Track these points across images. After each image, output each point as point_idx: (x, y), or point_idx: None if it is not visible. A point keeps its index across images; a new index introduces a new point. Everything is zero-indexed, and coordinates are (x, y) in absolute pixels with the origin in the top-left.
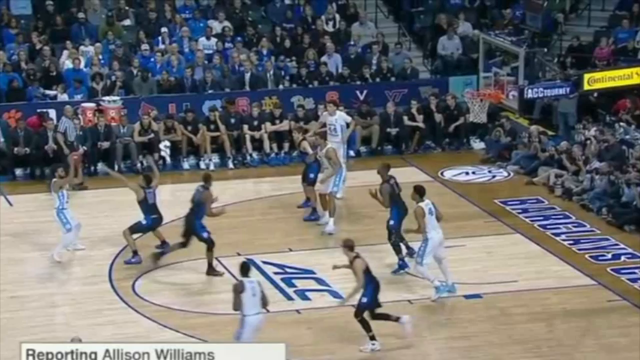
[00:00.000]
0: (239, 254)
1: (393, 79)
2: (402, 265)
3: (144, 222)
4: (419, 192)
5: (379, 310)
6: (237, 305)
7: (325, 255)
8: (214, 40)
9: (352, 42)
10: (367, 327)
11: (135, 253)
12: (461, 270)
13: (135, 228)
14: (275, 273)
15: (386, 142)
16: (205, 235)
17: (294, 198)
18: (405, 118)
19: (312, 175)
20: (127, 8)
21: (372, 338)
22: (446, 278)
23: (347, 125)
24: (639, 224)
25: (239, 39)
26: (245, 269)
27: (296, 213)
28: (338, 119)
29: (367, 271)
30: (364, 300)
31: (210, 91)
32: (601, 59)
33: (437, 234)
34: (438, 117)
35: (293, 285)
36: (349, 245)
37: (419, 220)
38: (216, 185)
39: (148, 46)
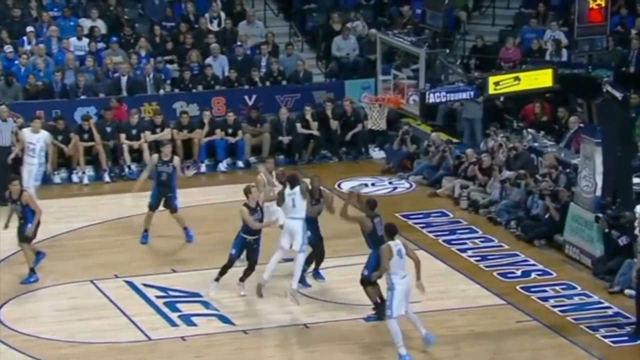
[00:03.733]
0: (116, 276)
1: (284, 82)
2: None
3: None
4: (390, 231)
5: None
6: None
7: (212, 276)
8: (86, 40)
9: (239, 43)
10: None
11: (32, 271)
12: (361, 291)
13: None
14: (158, 297)
15: (278, 152)
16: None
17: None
18: (298, 125)
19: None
20: None
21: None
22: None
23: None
24: (550, 238)
25: (114, 39)
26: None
27: (180, 230)
28: (41, 138)
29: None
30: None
31: (82, 97)
32: (507, 60)
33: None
34: (334, 124)
35: (177, 310)
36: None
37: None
38: (91, 201)
39: (12, 47)
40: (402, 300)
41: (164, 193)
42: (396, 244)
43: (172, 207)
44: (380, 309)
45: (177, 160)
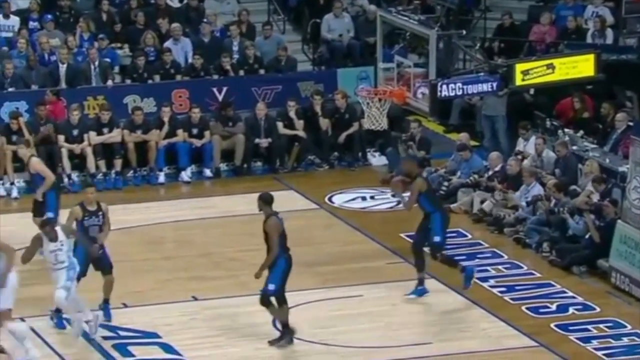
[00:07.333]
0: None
1: (262, 71)
2: (469, 272)
3: None
4: (266, 200)
5: None
6: None
7: (172, 311)
8: (15, 18)
9: (206, 21)
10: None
11: None
12: (357, 329)
13: None
14: (105, 338)
15: (255, 158)
16: None
17: (129, 234)
18: (279, 124)
19: (438, 238)
20: None
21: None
22: None
23: None
24: (592, 264)
25: (49, 17)
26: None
27: (132, 255)
28: None
29: None
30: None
31: (11, 89)
32: (539, 42)
33: None
34: (324, 122)
35: (130, 354)
36: None
37: None
38: (22, 219)
39: None
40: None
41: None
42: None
43: (107, 267)
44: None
45: (105, 205)
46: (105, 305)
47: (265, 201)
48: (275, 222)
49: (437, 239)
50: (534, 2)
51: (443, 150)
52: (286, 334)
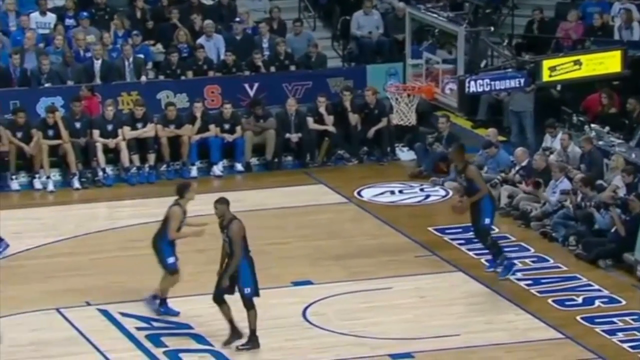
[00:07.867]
0: (88, 304)
1: (293, 67)
2: (509, 266)
3: None
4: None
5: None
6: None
7: (205, 303)
8: (51, 16)
9: (238, 19)
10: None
11: None
12: (386, 321)
13: None
14: (139, 328)
15: (285, 152)
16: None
17: None
18: (310, 120)
19: (487, 220)
20: None
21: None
22: None
23: None
24: (618, 257)
25: (84, 14)
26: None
27: None
28: None
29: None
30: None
31: (47, 85)
32: (566, 39)
33: None
34: (353, 118)
35: (162, 345)
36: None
37: None
38: (57, 212)
39: None
40: None
41: None
42: None
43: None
44: None
45: None
46: (165, 307)
47: (227, 204)
48: (239, 227)
49: (487, 221)
50: None
51: (471, 146)
52: (234, 334)
